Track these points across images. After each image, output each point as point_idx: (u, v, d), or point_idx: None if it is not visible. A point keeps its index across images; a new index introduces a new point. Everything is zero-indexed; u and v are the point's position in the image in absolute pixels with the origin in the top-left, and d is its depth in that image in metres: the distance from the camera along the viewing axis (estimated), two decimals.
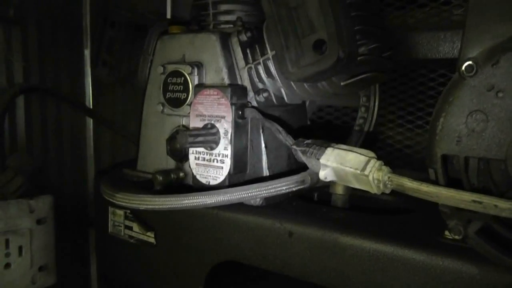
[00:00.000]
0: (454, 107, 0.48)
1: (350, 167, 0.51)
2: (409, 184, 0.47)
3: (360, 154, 0.51)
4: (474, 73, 0.47)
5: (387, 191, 0.51)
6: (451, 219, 0.50)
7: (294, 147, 0.58)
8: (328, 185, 0.71)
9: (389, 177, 0.49)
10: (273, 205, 0.69)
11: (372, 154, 0.52)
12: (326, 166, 0.53)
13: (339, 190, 0.71)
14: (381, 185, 0.50)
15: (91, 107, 1.11)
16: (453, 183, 0.50)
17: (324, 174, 0.54)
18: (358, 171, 0.50)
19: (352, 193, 0.72)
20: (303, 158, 0.57)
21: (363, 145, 0.85)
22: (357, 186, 0.53)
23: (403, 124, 0.92)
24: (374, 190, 0.51)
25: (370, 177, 0.50)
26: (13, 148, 0.96)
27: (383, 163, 0.51)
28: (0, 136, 0.90)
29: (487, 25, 0.48)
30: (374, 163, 0.50)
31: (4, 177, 0.88)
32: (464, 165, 0.48)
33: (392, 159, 0.93)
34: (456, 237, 0.50)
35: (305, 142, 0.58)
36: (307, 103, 0.91)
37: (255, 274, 0.80)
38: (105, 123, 1.13)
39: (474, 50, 0.48)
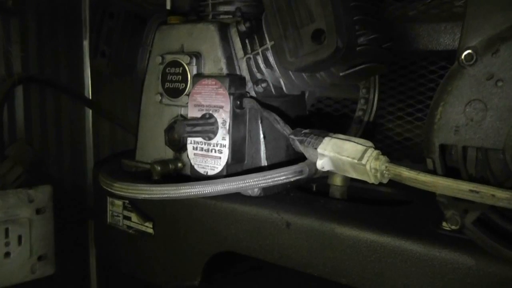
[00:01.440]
0: (452, 97, 0.47)
1: (347, 156, 0.51)
2: (407, 174, 0.47)
3: (358, 143, 0.51)
4: (473, 62, 0.46)
5: (385, 181, 0.50)
6: (448, 209, 0.50)
7: (292, 136, 0.58)
8: (327, 176, 0.71)
9: (386, 167, 0.49)
10: (270, 195, 0.69)
11: (369, 143, 0.52)
12: (323, 155, 0.53)
13: (337, 181, 0.71)
14: (378, 175, 0.49)
15: (90, 98, 1.11)
16: (451, 173, 0.50)
17: (321, 164, 0.53)
18: (355, 160, 0.50)
19: (350, 184, 0.71)
20: (301, 148, 0.57)
21: (362, 137, 0.85)
22: (354, 175, 0.52)
23: (403, 116, 0.91)
24: (371, 179, 0.50)
25: (367, 166, 0.49)
26: (12, 139, 0.96)
27: (380, 153, 0.51)
28: None
29: (487, 14, 0.47)
30: (372, 153, 0.50)
31: (4, 166, 0.88)
32: (462, 155, 0.48)
33: (391, 151, 0.92)
34: (453, 227, 0.50)
35: (302, 132, 0.57)
36: (307, 94, 0.91)
37: (252, 264, 0.80)
38: (104, 114, 1.13)
39: (473, 39, 0.47)
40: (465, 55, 0.47)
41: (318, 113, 1.01)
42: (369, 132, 0.90)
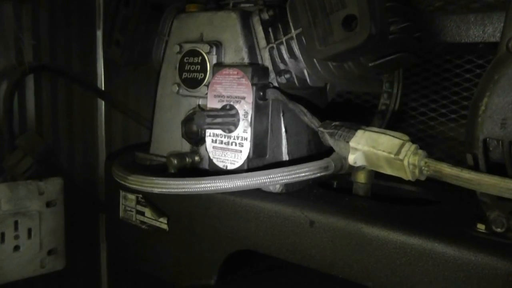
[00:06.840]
0: (500, 86, 0.44)
1: (383, 151, 0.47)
2: (448, 170, 0.43)
3: (394, 137, 0.48)
4: None
5: (423, 178, 0.47)
6: (492, 210, 0.46)
7: (321, 129, 0.55)
8: (349, 173, 0.68)
9: (425, 162, 0.45)
10: (293, 192, 0.66)
11: (406, 137, 0.48)
12: (356, 149, 0.50)
13: (362, 178, 0.67)
14: (416, 171, 0.46)
15: (102, 88, 1.09)
16: (492, 170, 0.46)
17: (354, 158, 0.50)
18: (392, 155, 0.46)
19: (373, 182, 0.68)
20: (330, 142, 0.54)
21: None
22: (389, 171, 0.49)
23: (426, 112, 0.88)
24: (408, 176, 0.47)
25: (405, 162, 0.46)
26: (23, 129, 0.94)
27: (418, 147, 0.47)
28: (9, 116, 0.88)
29: None
30: (410, 147, 0.47)
31: (14, 157, 0.86)
32: (509, 151, 0.45)
33: None
34: (498, 229, 0.46)
35: (333, 124, 0.54)
36: (327, 88, 0.88)
37: (272, 264, 0.77)
38: (117, 106, 1.10)
39: None
40: None
41: (338, 108, 0.97)
42: (392, 128, 0.86)
